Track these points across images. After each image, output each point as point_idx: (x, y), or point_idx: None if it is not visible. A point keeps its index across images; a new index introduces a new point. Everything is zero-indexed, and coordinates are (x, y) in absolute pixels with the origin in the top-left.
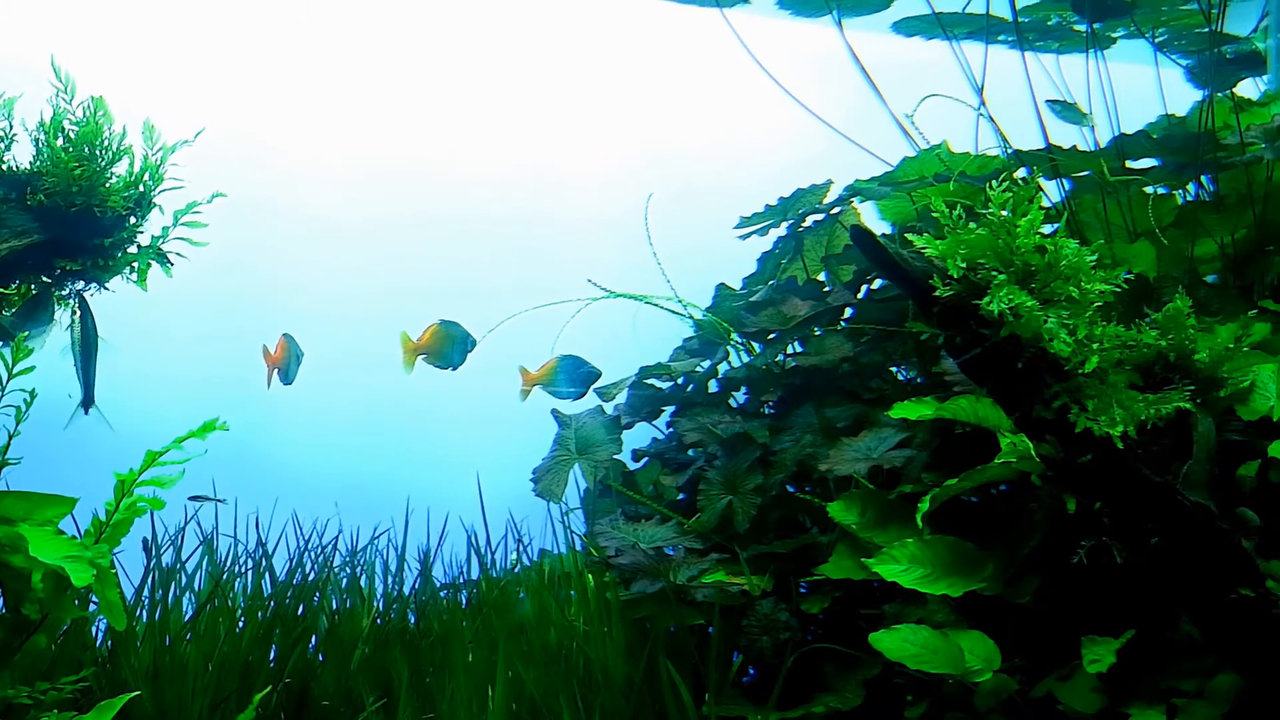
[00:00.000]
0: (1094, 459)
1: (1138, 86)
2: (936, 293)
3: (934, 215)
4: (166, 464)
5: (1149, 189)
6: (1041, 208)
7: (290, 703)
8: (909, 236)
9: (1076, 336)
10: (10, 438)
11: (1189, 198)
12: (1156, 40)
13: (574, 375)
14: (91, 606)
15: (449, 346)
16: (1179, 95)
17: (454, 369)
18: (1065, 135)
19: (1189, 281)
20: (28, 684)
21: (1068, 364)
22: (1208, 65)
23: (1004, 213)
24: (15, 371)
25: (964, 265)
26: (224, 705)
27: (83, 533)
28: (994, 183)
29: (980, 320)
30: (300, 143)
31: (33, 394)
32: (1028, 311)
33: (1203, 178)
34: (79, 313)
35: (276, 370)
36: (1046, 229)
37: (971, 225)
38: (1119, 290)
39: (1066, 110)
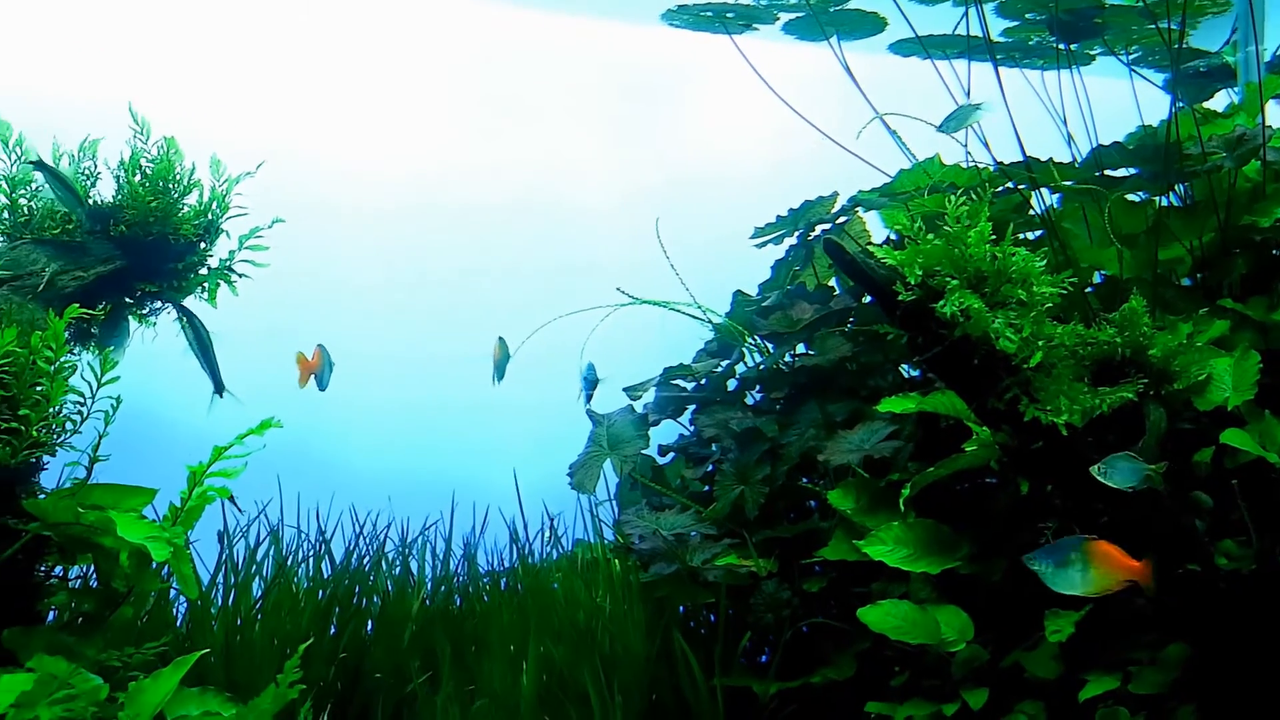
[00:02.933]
0: (1044, 445)
1: (1124, 99)
2: (899, 297)
3: (895, 228)
4: (231, 458)
5: (1132, 196)
6: (1028, 215)
7: (346, 676)
8: (871, 247)
9: (1023, 334)
10: (100, 438)
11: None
12: (1130, 57)
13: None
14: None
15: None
16: (1162, 107)
17: (499, 380)
18: (1047, 148)
19: (1158, 283)
20: (117, 649)
21: (1015, 359)
22: (1181, 79)
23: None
24: (104, 380)
25: (921, 272)
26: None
27: (161, 518)
28: (950, 197)
29: (939, 322)
30: (345, 164)
31: (118, 400)
32: (976, 313)
33: (1179, 185)
34: (185, 319)
35: (313, 375)
36: (1030, 236)
37: (929, 236)
38: (1066, 292)
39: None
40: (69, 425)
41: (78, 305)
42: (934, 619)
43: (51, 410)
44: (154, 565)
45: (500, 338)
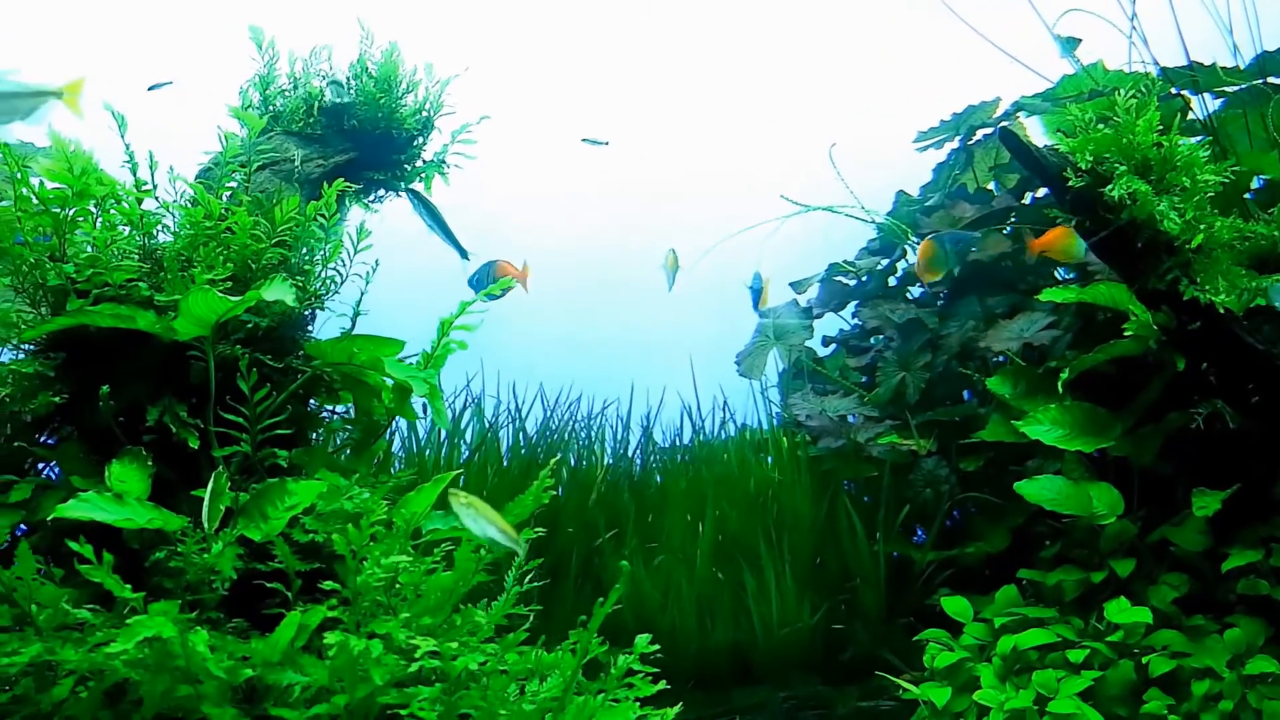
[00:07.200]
0: (1202, 326)
1: None
2: (1069, 183)
3: (1058, 131)
4: (471, 314)
5: None
6: (1190, 120)
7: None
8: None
9: (1186, 217)
10: (361, 295)
11: None
12: None
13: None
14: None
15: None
16: None
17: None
18: (1212, 54)
19: None
20: (374, 475)
21: (1177, 241)
22: None
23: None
24: (359, 248)
25: (1091, 159)
26: None
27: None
28: (1121, 90)
29: (1105, 206)
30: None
31: (376, 263)
32: (1142, 196)
33: None
34: (418, 200)
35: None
36: (1194, 140)
37: (1099, 126)
38: (1228, 181)
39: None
40: (332, 285)
41: (343, 180)
42: (1087, 493)
43: (323, 269)
44: (411, 400)
45: (671, 249)
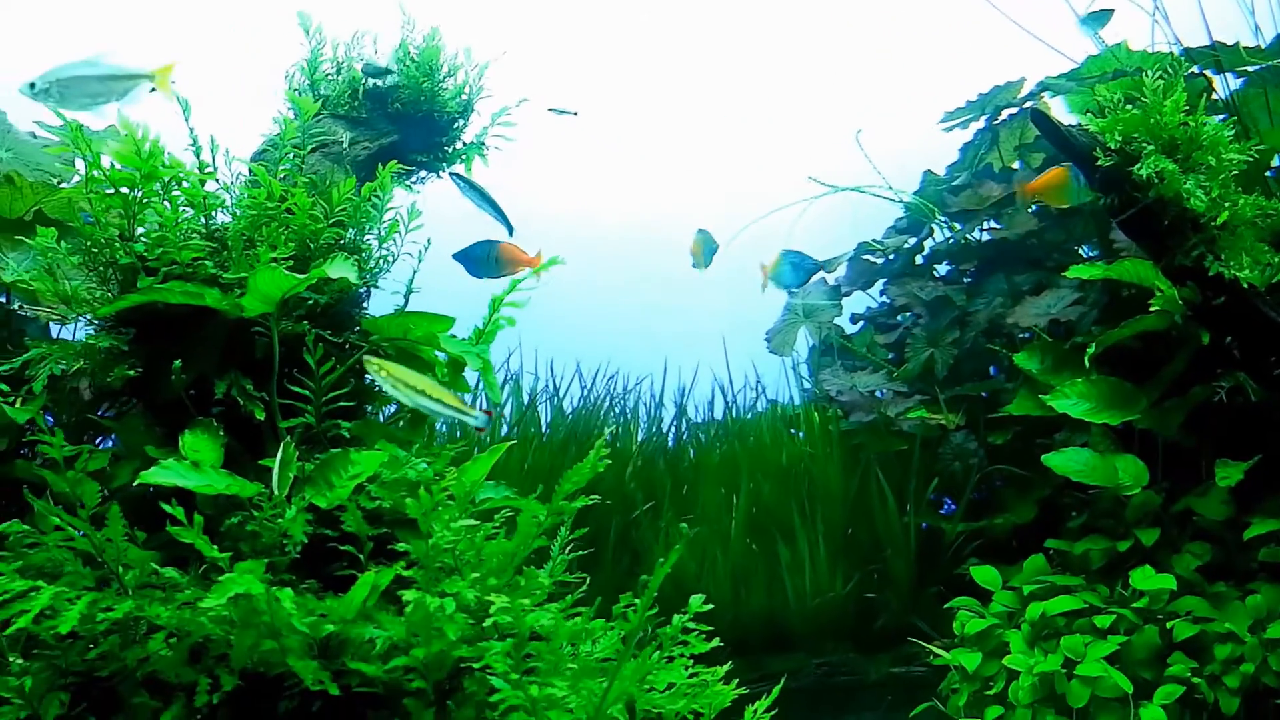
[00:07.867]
0: (1226, 301)
1: None
2: (1098, 162)
3: (1097, 100)
4: (520, 290)
5: None
6: (1212, 100)
7: None
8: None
9: (1212, 195)
10: (414, 273)
11: None
12: None
13: (798, 267)
14: None
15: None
16: None
17: (705, 268)
18: (1233, 35)
19: None
20: (428, 446)
21: (1203, 218)
22: None
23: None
24: (411, 227)
25: (1120, 138)
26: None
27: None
28: (1147, 71)
29: (1133, 185)
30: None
31: (428, 242)
32: (1170, 175)
33: None
34: (462, 181)
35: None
36: (1217, 119)
37: (1127, 106)
38: (1252, 160)
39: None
40: (385, 263)
41: (396, 162)
42: (1113, 465)
43: (379, 248)
44: (464, 373)
45: (699, 229)
